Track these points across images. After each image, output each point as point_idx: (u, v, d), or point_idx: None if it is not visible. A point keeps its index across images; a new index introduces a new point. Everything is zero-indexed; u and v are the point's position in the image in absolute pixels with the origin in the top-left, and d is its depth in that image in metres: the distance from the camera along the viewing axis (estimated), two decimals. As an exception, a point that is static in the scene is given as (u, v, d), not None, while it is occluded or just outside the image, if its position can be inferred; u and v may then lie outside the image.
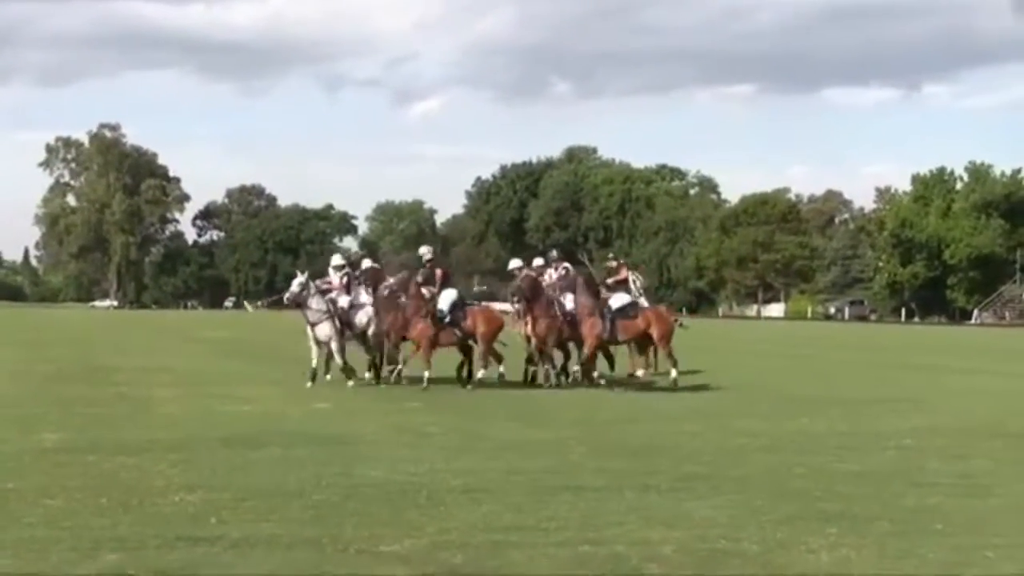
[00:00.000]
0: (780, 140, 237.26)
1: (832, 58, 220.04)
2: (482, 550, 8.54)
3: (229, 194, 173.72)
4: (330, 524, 9.36)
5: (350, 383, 22.28)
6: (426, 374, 21.84)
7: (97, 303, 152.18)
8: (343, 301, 23.52)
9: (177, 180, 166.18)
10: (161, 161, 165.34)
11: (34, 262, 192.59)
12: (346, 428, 15.83)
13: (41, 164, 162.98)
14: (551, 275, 24.25)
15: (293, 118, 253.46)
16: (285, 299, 23.60)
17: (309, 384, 21.98)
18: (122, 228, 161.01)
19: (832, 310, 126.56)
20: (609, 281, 24.01)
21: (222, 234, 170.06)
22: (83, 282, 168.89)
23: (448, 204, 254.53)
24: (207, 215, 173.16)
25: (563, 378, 23.41)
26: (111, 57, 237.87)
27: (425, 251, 24.46)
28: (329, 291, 23.63)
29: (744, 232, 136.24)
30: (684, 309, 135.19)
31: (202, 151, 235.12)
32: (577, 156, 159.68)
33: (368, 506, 10.18)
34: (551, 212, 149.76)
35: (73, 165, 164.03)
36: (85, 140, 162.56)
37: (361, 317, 23.54)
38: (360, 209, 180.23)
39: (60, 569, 7.88)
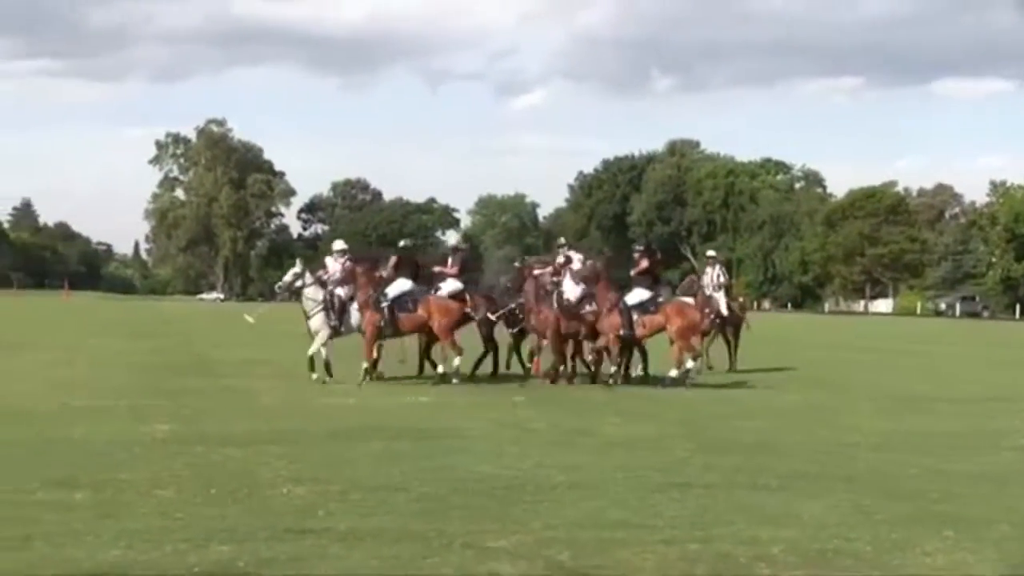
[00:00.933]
0: (888, 133, 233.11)
1: (943, 49, 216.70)
2: (588, 547, 8.47)
3: (333, 188, 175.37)
4: (435, 518, 9.35)
5: (314, 376, 21.26)
6: (364, 365, 21.41)
7: (204, 296, 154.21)
8: (341, 292, 22.35)
9: (282, 174, 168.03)
10: (267, 156, 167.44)
11: (144, 255, 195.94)
12: (449, 423, 15.84)
13: (151, 160, 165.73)
14: (574, 265, 22.93)
15: (397, 112, 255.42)
16: (276, 288, 23.07)
17: (315, 376, 21.25)
18: (229, 222, 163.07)
19: (942, 306, 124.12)
20: (632, 273, 23.47)
21: (326, 228, 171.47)
22: (191, 275, 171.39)
23: (550, 197, 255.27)
24: (312, 209, 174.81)
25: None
26: (219, 53, 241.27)
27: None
28: (325, 282, 22.41)
29: (851, 226, 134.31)
30: (788, 304, 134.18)
31: (307, 145, 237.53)
32: (680, 150, 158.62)
33: (473, 501, 10.16)
34: (653, 206, 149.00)
35: (182, 160, 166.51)
36: (193, 136, 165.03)
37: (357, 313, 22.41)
38: (462, 202, 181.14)
39: (172, 559, 7.95)
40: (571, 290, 22.09)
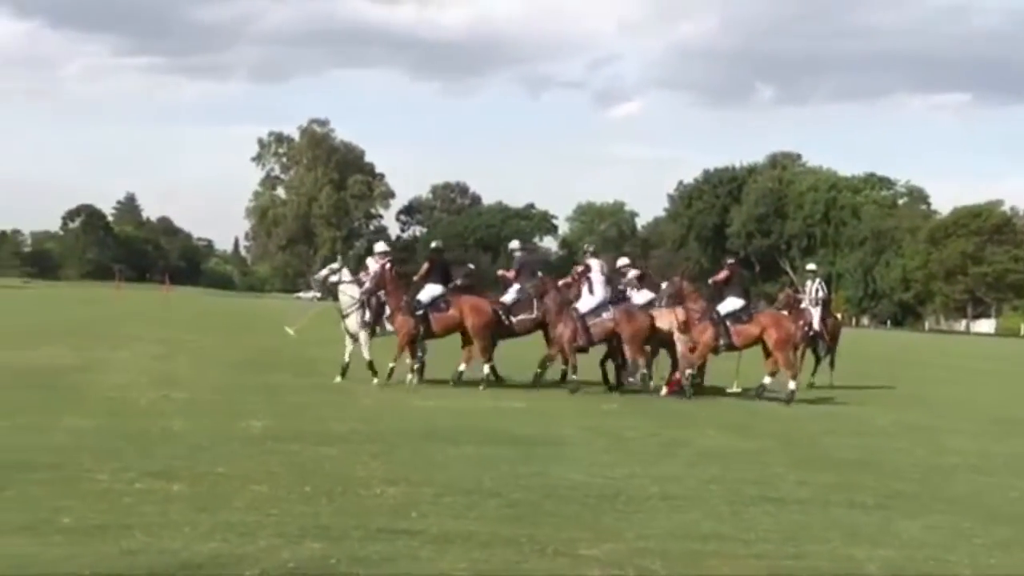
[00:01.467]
0: (995, 151, 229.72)
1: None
2: (681, 558, 8.42)
3: (433, 190, 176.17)
4: (527, 524, 9.35)
5: (375, 381, 20.99)
6: (390, 365, 21.16)
7: (301, 294, 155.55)
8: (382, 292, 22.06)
9: (382, 176, 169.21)
10: (367, 157, 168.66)
11: (243, 252, 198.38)
12: (543, 429, 15.82)
13: (254, 158, 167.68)
14: (593, 274, 22.46)
15: (497, 117, 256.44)
16: (311, 281, 23.02)
17: (338, 379, 21.11)
18: (328, 222, 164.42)
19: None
20: (709, 281, 23.17)
21: (424, 230, 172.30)
22: (288, 273, 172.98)
23: (648, 207, 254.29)
24: (410, 211, 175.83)
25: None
26: (323, 54, 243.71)
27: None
28: (363, 281, 22.16)
29: (954, 244, 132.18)
30: (888, 322, 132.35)
31: (407, 148, 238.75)
32: (781, 162, 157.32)
33: (565, 508, 10.14)
34: (753, 218, 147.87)
35: (284, 159, 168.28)
36: (296, 135, 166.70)
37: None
38: (561, 209, 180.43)
39: (267, 554, 8.02)
40: (586, 302, 22.01)
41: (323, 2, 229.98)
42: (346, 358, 21.57)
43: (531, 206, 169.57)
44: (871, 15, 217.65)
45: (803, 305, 25.77)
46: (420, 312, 21.60)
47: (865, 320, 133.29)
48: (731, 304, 21.89)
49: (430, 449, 13.38)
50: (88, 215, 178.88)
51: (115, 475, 10.68)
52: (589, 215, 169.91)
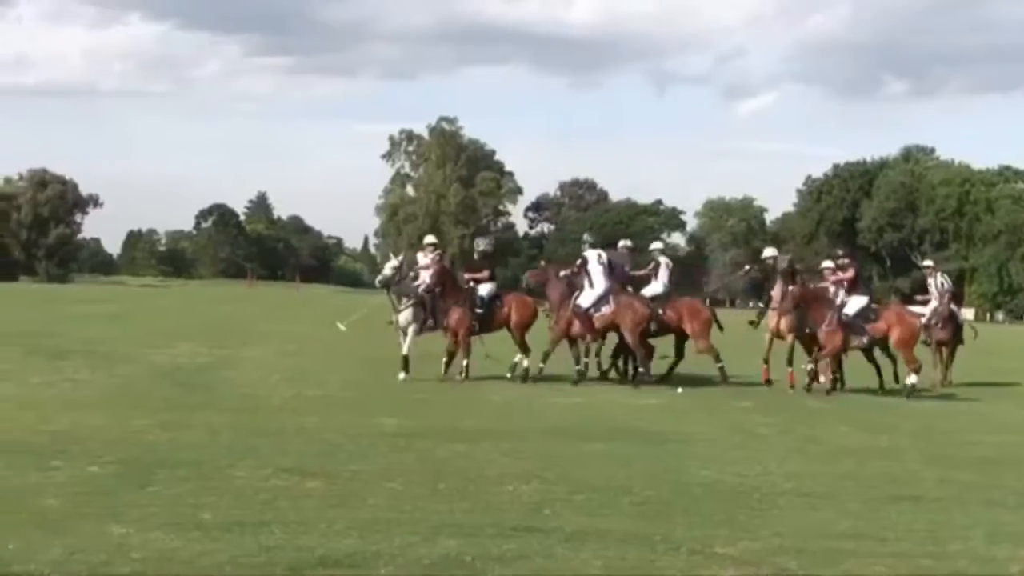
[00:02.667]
0: None
1: None
2: (818, 556, 8.30)
3: (560, 187, 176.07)
4: (661, 522, 9.29)
5: (401, 376, 20.60)
6: (464, 362, 21.34)
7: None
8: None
9: (511, 173, 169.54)
10: (495, 155, 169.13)
11: (372, 250, 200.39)
12: (675, 426, 15.74)
13: (384, 156, 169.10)
14: (591, 266, 21.78)
15: (624, 113, 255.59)
16: (377, 283, 22.37)
17: (402, 376, 20.64)
18: (457, 219, 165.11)
19: None
20: (833, 280, 22.61)
21: (552, 227, 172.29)
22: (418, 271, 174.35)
23: (777, 202, 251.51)
24: (538, 208, 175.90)
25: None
26: (450, 52, 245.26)
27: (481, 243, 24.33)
28: (417, 275, 22.04)
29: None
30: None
31: (534, 145, 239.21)
32: (914, 156, 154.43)
33: (699, 506, 10.07)
34: (885, 212, 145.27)
35: (413, 157, 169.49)
36: (424, 133, 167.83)
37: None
38: (689, 205, 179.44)
39: (402, 551, 8.07)
40: (587, 296, 21.55)
41: (450, 0, 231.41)
42: (404, 350, 21.16)
43: (659, 202, 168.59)
44: (1003, 6, 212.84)
45: (932, 303, 25.15)
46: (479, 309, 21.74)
47: (1000, 315, 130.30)
48: (857, 303, 21.57)
49: (561, 446, 13.38)
50: (221, 214, 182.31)
51: (251, 472, 10.85)
52: (717, 210, 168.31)
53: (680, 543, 8.56)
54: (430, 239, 23.66)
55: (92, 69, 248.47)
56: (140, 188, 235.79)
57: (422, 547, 8.19)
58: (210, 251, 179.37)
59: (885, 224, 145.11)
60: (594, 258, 22.00)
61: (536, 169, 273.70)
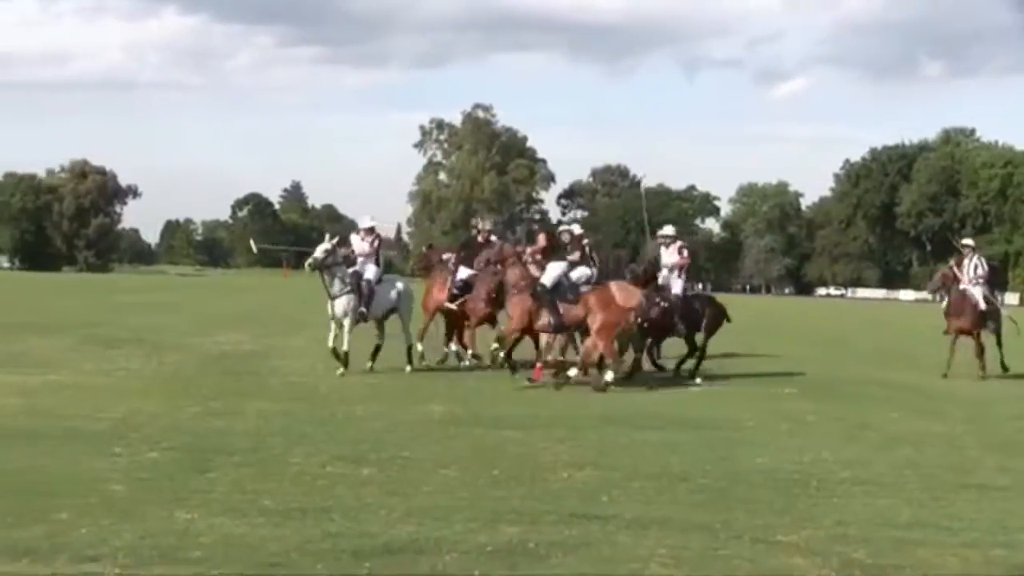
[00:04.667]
0: None
1: None
2: (884, 545, 8.23)
3: (593, 174, 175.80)
4: (720, 509, 9.25)
5: (340, 371, 19.15)
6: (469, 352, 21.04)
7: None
8: (369, 273, 20.43)
9: (543, 160, 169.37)
10: (528, 142, 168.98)
11: (405, 238, 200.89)
12: (723, 412, 15.66)
13: (416, 144, 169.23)
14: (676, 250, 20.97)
15: (656, 99, 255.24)
16: (307, 265, 20.62)
17: (340, 371, 19.15)
18: (490, 206, 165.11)
19: None
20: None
21: (585, 213, 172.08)
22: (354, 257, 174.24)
23: (813, 186, 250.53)
24: (571, 194, 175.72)
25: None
26: (480, 40, 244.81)
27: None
28: (353, 260, 20.47)
29: None
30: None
31: (567, 132, 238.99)
32: (954, 138, 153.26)
33: (757, 493, 10.01)
34: (925, 196, 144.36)
35: (445, 145, 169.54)
36: (456, 121, 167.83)
37: (389, 295, 20.61)
38: (723, 190, 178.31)
39: (463, 537, 8.06)
40: (549, 276, 19.00)
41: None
42: (330, 344, 19.71)
43: (692, 188, 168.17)
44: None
45: (962, 285, 23.92)
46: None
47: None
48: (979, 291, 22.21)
49: (613, 433, 13.35)
50: (256, 203, 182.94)
51: (307, 459, 10.89)
52: (752, 196, 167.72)
53: (742, 531, 8.51)
54: (366, 222, 21.60)
55: (130, 62, 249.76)
56: (177, 178, 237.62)
57: (483, 534, 8.18)
58: (246, 240, 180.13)
59: (925, 208, 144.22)
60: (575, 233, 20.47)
61: (568, 156, 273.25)
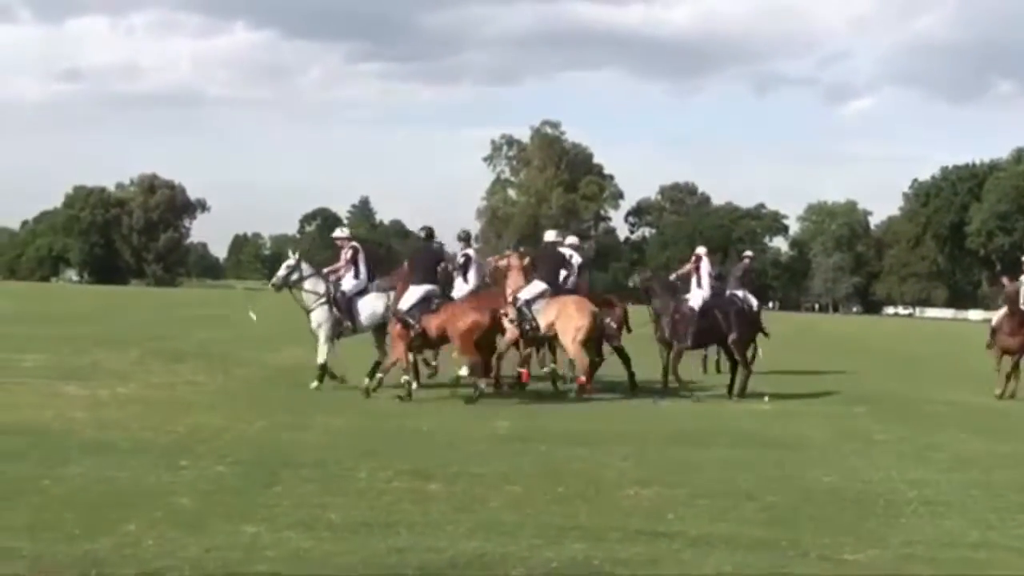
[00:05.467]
0: None
1: None
2: (952, 566, 8.16)
3: (661, 191, 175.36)
4: (786, 528, 9.20)
5: (313, 385, 18.99)
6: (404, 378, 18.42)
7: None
8: (346, 285, 20.02)
9: (611, 177, 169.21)
10: (596, 159, 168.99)
11: (472, 254, 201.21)
12: (790, 431, 15.58)
13: (485, 159, 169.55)
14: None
15: (725, 117, 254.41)
16: (271, 285, 20.34)
17: (314, 384, 19.01)
18: (557, 223, 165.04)
19: None
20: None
21: (653, 231, 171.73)
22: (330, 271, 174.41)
23: (882, 205, 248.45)
24: (639, 212, 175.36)
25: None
26: (550, 57, 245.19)
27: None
28: (326, 274, 20.15)
29: None
30: None
31: (635, 149, 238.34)
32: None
33: (823, 512, 9.95)
34: (995, 216, 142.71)
35: (515, 162, 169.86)
36: (525, 138, 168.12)
37: (372, 307, 19.91)
38: (791, 209, 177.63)
39: (529, 553, 8.07)
40: (459, 289, 20.16)
41: (550, 4, 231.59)
42: (320, 358, 19.40)
43: (761, 206, 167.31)
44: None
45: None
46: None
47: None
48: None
49: (679, 451, 13.32)
50: (324, 218, 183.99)
51: (372, 473, 10.94)
52: (820, 215, 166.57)
53: (808, 549, 8.46)
54: (340, 232, 21.45)
55: (199, 77, 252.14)
56: (246, 193, 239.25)
57: (548, 550, 8.18)
58: (314, 254, 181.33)
59: (995, 227, 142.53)
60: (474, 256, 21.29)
61: (637, 173, 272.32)
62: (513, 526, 8.87)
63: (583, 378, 18.79)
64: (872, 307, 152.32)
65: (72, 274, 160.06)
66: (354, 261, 20.30)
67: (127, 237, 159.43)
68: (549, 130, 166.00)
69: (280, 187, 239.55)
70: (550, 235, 21.38)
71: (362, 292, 20.03)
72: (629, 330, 20.68)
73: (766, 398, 19.44)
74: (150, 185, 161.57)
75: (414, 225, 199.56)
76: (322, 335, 19.47)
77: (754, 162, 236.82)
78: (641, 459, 12.52)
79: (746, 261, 26.65)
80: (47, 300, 65.21)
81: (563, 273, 19.97)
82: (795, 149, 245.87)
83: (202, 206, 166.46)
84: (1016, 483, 11.78)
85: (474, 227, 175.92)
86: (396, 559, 7.79)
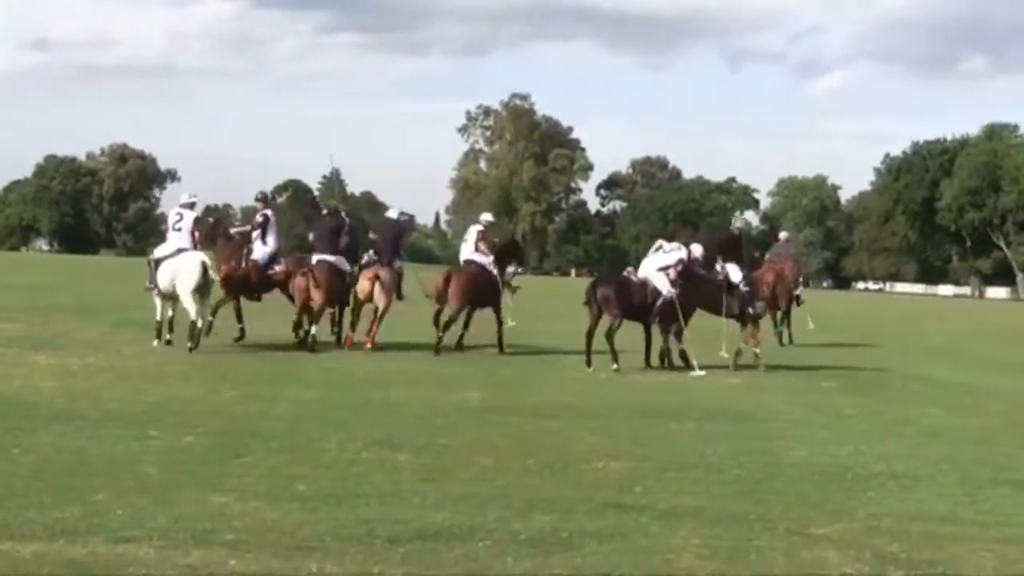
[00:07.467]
0: None
1: None
2: (918, 540, 8.18)
3: (632, 165, 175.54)
4: (755, 501, 9.23)
5: (155, 343, 20.00)
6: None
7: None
8: (256, 252, 21.73)
9: (583, 150, 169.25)
10: (567, 132, 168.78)
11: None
12: (759, 405, 15.63)
13: (460, 129, 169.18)
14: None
15: (696, 91, 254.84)
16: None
17: (155, 343, 19.98)
18: (529, 196, 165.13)
19: None
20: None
21: (624, 204, 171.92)
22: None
23: (853, 181, 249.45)
24: (610, 185, 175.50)
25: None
26: (520, 29, 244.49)
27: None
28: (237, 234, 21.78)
29: None
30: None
31: (607, 122, 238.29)
32: (997, 133, 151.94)
33: (791, 486, 9.99)
34: (965, 191, 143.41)
35: (488, 133, 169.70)
36: (500, 109, 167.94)
37: (170, 272, 20.01)
38: (762, 183, 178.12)
39: (497, 525, 8.07)
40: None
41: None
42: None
43: (732, 180, 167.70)
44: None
45: None
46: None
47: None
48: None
49: (649, 424, 13.35)
50: (295, 189, 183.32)
51: (342, 445, 10.93)
52: (791, 189, 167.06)
53: (776, 523, 8.49)
54: (185, 198, 21.49)
55: (172, 48, 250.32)
56: (217, 163, 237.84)
57: (517, 522, 8.19)
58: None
59: (966, 203, 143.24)
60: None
61: (608, 146, 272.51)
62: (482, 498, 8.87)
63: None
64: (842, 282, 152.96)
65: (42, 244, 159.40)
66: (262, 228, 21.69)
67: (97, 207, 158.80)
68: (519, 102, 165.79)
69: (251, 158, 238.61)
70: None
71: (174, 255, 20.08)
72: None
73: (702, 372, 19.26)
74: (121, 155, 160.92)
75: (385, 196, 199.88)
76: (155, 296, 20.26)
77: (726, 136, 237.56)
78: (610, 432, 12.55)
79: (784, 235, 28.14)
80: (17, 270, 64.78)
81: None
82: (767, 123, 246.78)
83: (172, 176, 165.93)
84: (984, 458, 11.86)
85: (444, 200, 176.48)
86: (364, 530, 7.78)
